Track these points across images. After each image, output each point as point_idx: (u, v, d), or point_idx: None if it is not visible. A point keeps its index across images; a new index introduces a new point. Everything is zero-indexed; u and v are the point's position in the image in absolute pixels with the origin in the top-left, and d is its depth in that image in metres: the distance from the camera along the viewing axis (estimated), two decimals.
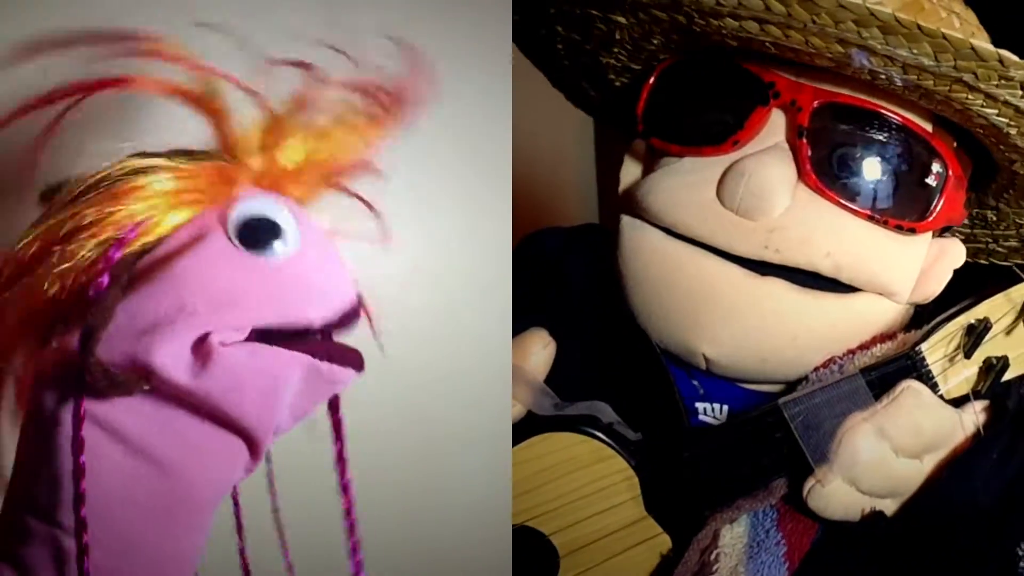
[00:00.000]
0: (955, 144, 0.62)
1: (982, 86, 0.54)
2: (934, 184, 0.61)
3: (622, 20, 0.64)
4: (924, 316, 0.64)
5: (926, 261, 0.63)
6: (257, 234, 0.49)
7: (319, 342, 0.52)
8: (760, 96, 0.61)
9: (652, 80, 0.66)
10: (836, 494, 0.55)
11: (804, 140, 0.60)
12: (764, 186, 0.59)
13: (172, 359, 0.46)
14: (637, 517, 0.59)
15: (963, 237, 0.69)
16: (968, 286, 0.62)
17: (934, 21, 0.59)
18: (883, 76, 0.56)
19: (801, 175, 0.60)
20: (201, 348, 0.46)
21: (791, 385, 0.63)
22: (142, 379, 0.46)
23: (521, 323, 0.66)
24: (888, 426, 0.55)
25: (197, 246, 0.48)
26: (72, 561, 0.46)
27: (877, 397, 0.55)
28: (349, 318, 0.51)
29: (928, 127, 0.61)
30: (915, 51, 0.53)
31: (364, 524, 0.59)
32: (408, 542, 0.70)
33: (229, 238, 0.48)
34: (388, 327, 0.58)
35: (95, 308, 0.46)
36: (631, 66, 0.69)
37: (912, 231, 0.61)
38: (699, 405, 0.65)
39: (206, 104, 0.49)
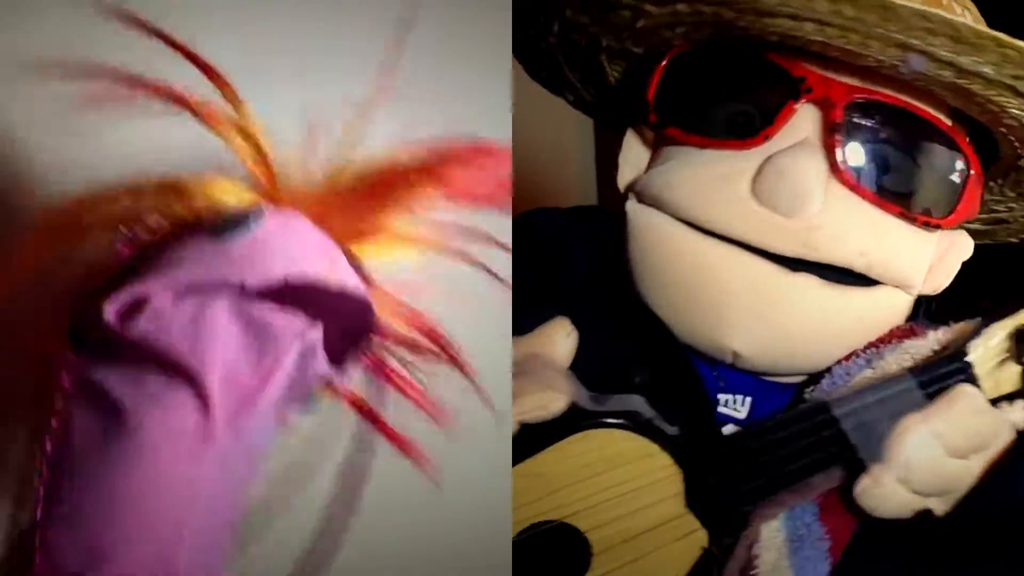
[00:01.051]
0: (970, 139, 0.63)
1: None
2: (958, 180, 0.62)
3: (653, 10, 0.62)
4: (922, 305, 0.66)
5: (937, 253, 0.64)
6: (226, 224, 0.48)
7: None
8: (792, 91, 0.61)
9: (663, 67, 0.64)
10: (890, 494, 0.56)
11: (838, 136, 0.60)
12: (804, 185, 0.59)
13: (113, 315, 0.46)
14: (677, 514, 0.59)
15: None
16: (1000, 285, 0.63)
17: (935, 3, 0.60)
18: (929, 77, 0.57)
19: (834, 172, 0.60)
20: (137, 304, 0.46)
21: (812, 377, 0.63)
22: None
23: (532, 311, 0.64)
24: (943, 428, 0.55)
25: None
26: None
27: (928, 398, 0.56)
28: (300, 290, 0.49)
29: (949, 122, 0.62)
30: (978, 60, 0.54)
31: (365, 524, 0.58)
32: (407, 542, 0.69)
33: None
34: None
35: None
36: (632, 51, 0.67)
37: (937, 227, 0.62)
38: (721, 396, 0.65)
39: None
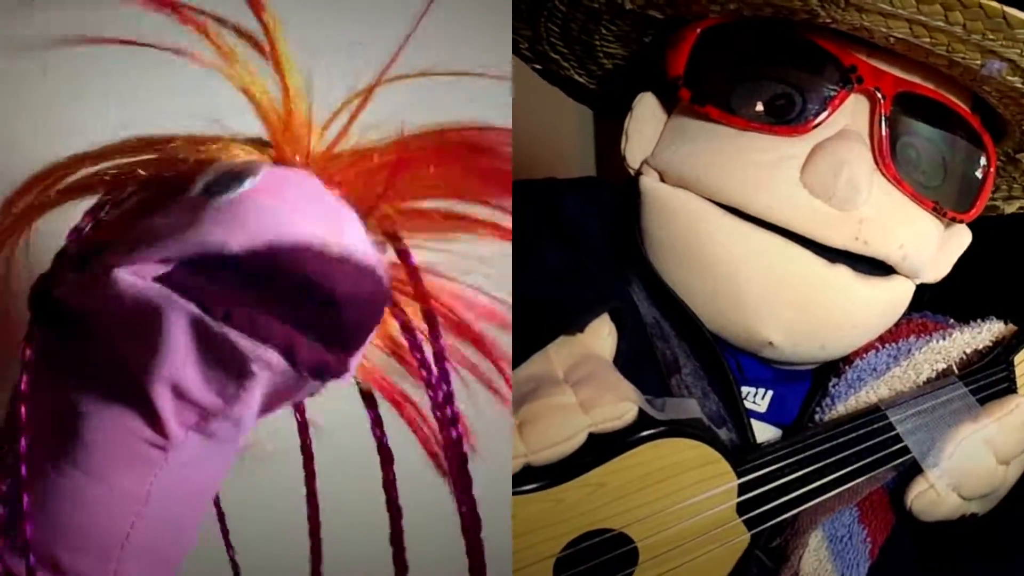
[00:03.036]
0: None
1: None
2: (980, 176, 0.63)
3: None
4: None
5: (939, 243, 0.65)
6: (218, 182, 0.42)
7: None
8: (844, 79, 0.59)
9: (696, 39, 0.61)
10: (943, 499, 0.57)
11: (887, 129, 0.59)
12: (860, 178, 0.58)
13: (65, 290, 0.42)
14: (727, 519, 0.57)
15: None
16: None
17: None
18: (997, 81, 0.57)
19: (880, 164, 0.59)
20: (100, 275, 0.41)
21: (828, 366, 0.64)
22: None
23: (573, 297, 0.59)
24: (997, 439, 0.57)
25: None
26: None
27: (981, 404, 0.58)
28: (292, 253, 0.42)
29: (976, 117, 0.62)
30: None
31: (365, 523, 0.55)
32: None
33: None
34: None
35: None
36: (631, 34, 0.65)
37: (960, 222, 0.64)
38: (743, 389, 0.64)
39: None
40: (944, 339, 0.62)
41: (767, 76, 0.61)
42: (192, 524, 0.45)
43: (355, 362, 0.44)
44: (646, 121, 0.65)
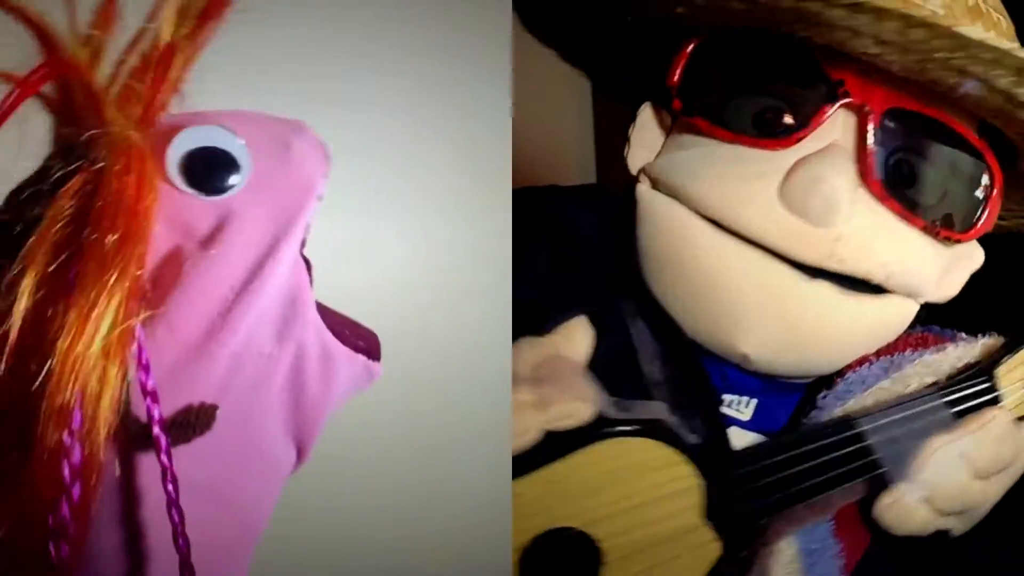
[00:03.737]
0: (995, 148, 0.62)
1: None
2: (982, 196, 0.61)
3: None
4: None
5: (947, 264, 0.64)
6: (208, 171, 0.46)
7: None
8: (830, 94, 0.58)
9: (690, 52, 0.62)
10: (912, 512, 0.56)
11: (873, 146, 0.58)
12: (838, 194, 0.57)
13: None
14: (694, 524, 0.57)
15: None
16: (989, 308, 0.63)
17: (990, 25, 0.59)
18: (977, 99, 0.56)
19: (865, 181, 0.58)
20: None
21: (822, 380, 0.63)
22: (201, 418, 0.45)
23: (550, 302, 0.61)
24: (970, 450, 0.55)
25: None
26: None
27: (959, 417, 0.56)
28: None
29: (977, 135, 0.61)
30: None
31: (364, 525, 0.58)
32: (407, 543, 0.67)
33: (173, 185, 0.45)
34: (386, 327, 0.57)
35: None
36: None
37: (957, 242, 0.62)
38: (726, 397, 0.64)
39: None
40: (937, 353, 0.61)
41: (757, 89, 0.61)
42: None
43: None
44: (648, 129, 0.65)
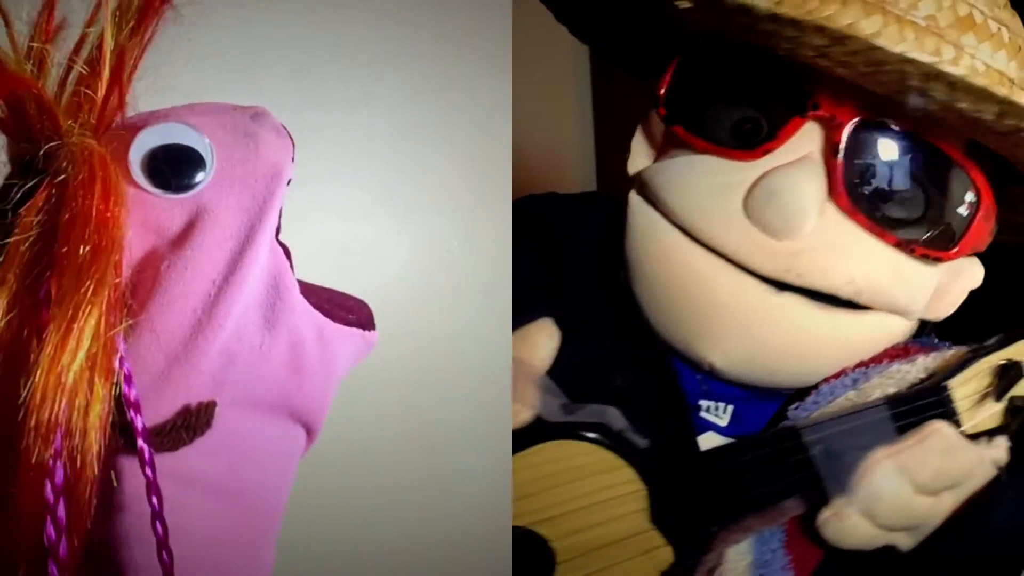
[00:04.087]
0: (988, 163, 0.59)
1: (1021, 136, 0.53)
2: (965, 213, 0.59)
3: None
4: (928, 327, 0.63)
5: (944, 279, 0.61)
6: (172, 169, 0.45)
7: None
8: (798, 106, 0.58)
9: (678, 62, 0.62)
10: (853, 527, 0.55)
11: (840, 159, 0.57)
12: (794, 207, 0.56)
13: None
14: (641, 529, 0.58)
15: None
16: (994, 318, 0.61)
17: (985, 35, 0.57)
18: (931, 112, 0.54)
19: (833, 195, 0.57)
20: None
21: (800, 391, 0.62)
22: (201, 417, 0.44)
23: (525, 304, 0.63)
24: (912, 466, 0.54)
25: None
26: None
27: (903, 430, 0.54)
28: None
29: (962, 150, 0.59)
30: (979, 109, 0.51)
31: (365, 525, 0.56)
32: (408, 541, 0.69)
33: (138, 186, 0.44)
34: (387, 328, 0.57)
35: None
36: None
37: (938, 260, 0.59)
38: (703, 403, 0.64)
39: None
40: (905, 363, 0.59)
41: (733, 101, 0.61)
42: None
43: None
44: (647, 136, 0.66)
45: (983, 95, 0.49)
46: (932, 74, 0.50)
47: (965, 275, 0.62)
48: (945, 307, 0.62)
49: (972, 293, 0.63)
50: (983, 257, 0.64)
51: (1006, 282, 0.63)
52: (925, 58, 0.49)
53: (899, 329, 0.61)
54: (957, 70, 0.49)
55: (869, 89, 0.55)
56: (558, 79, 0.79)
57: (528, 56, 0.73)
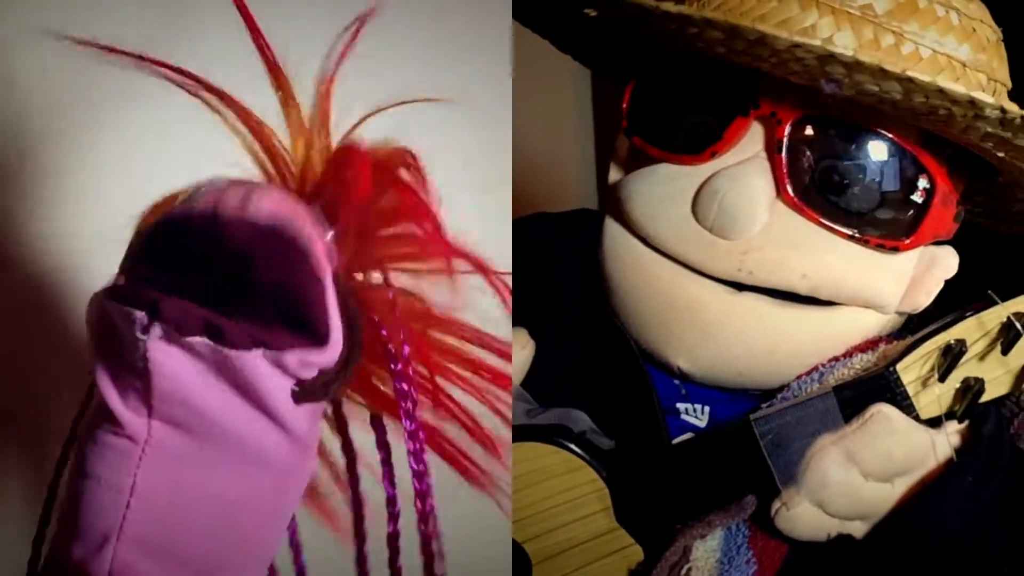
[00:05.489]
0: (949, 151, 0.58)
1: (958, 121, 0.52)
2: (920, 200, 0.58)
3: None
4: (913, 322, 0.63)
5: (917, 270, 0.61)
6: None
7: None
8: (740, 106, 0.58)
9: (638, 76, 0.64)
10: (803, 516, 0.54)
11: (782, 155, 0.57)
12: (739, 206, 0.57)
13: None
14: (608, 528, 0.59)
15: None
16: (949, 303, 0.60)
17: (929, 20, 0.57)
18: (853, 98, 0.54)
19: (779, 192, 0.57)
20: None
21: (773, 391, 0.61)
22: None
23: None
24: (857, 451, 0.53)
25: None
26: None
27: (851, 416, 0.54)
28: None
29: (914, 140, 0.58)
30: (884, 88, 0.51)
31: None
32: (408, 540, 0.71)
33: None
34: None
35: None
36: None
37: (895, 249, 0.59)
38: (680, 406, 0.64)
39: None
40: (869, 353, 0.59)
41: (686, 108, 0.62)
42: (211, 526, 0.43)
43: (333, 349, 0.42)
44: (622, 151, 0.68)
45: (879, 74, 0.49)
46: (826, 57, 0.50)
47: (939, 265, 0.61)
48: (922, 298, 0.61)
49: (975, 286, 0.62)
50: (982, 248, 0.64)
51: (1006, 272, 0.62)
52: (812, 42, 0.50)
53: (872, 324, 0.60)
54: (844, 51, 0.49)
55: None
56: (558, 80, 0.81)
57: (529, 68, 0.75)
